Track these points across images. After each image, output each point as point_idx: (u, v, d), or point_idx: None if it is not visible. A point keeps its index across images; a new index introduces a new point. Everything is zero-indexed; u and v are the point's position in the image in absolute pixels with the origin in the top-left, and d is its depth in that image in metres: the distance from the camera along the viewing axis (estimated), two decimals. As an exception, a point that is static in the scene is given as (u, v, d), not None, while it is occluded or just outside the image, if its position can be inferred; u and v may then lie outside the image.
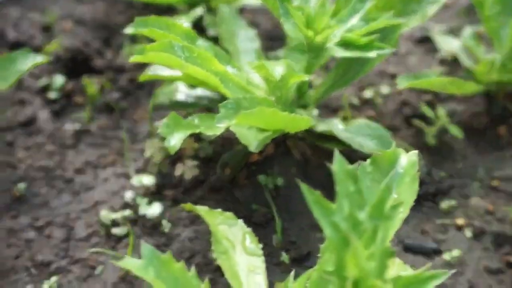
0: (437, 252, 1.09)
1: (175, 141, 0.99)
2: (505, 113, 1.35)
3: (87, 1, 1.67)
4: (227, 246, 0.94)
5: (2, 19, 1.58)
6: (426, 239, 1.11)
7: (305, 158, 1.22)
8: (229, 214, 0.99)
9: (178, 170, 1.19)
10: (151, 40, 1.13)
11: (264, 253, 0.97)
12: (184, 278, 0.79)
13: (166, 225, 1.12)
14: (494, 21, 1.26)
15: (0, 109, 1.35)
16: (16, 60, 1.21)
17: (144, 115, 1.36)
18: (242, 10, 1.61)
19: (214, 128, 1.00)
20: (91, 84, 1.38)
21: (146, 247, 0.77)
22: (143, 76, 1.24)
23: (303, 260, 1.07)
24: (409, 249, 1.09)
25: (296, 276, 0.89)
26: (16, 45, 1.50)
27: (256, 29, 1.35)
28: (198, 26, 1.44)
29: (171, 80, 1.24)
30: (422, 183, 1.17)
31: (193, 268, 0.81)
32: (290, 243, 1.09)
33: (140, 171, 1.23)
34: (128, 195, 1.16)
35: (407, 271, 0.90)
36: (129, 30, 1.13)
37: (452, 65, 1.48)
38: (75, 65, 1.45)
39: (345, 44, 1.11)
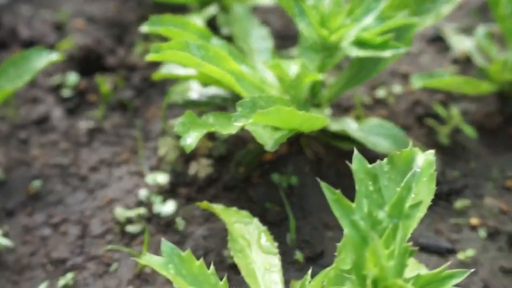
0: (451, 251, 1.09)
1: (191, 139, 1.00)
2: (519, 113, 1.35)
3: (99, -1, 1.68)
4: (243, 244, 0.95)
5: (14, 17, 1.58)
6: (440, 238, 1.11)
7: (318, 157, 1.22)
8: (244, 212, 0.99)
9: (192, 168, 1.20)
10: (164, 39, 1.13)
11: (279, 251, 0.97)
12: (203, 275, 0.79)
13: (180, 223, 1.12)
14: (509, 20, 1.26)
15: (14, 107, 1.36)
16: (31, 58, 1.22)
17: (156, 113, 1.37)
18: (253, 10, 1.61)
19: (230, 127, 1.01)
20: (104, 82, 1.38)
21: (166, 244, 0.77)
22: (157, 75, 1.24)
23: (317, 258, 1.07)
24: (423, 249, 1.09)
25: (311, 275, 0.89)
26: (29, 43, 1.51)
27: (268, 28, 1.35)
28: (211, 25, 1.44)
29: (185, 79, 1.24)
30: (436, 182, 1.17)
31: (212, 266, 0.81)
32: (303, 241, 1.10)
33: (153, 169, 1.23)
34: (142, 193, 1.17)
35: (423, 271, 0.90)
36: (144, 28, 1.14)
37: (465, 64, 1.48)
38: (88, 63, 1.46)
39: (359, 43, 1.11)
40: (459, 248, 1.10)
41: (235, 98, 1.12)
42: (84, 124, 1.34)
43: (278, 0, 1.17)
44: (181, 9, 1.56)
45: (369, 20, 1.12)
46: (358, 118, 1.30)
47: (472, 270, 0.74)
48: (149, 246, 1.08)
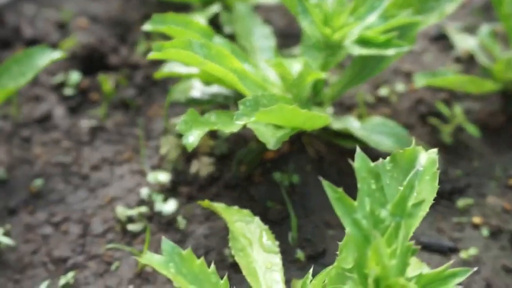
0: (454, 250, 1.09)
1: (193, 138, 0.99)
2: (522, 112, 1.34)
3: (102, -2, 1.68)
4: (244, 243, 0.94)
5: (18, 16, 1.59)
6: (443, 237, 1.11)
7: (320, 156, 1.22)
8: (246, 211, 0.99)
9: (194, 167, 1.19)
10: (167, 37, 1.13)
11: (280, 250, 0.97)
12: (204, 274, 0.79)
13: (181, 222, 1.12)
14: (513, 19, 1.26)
15: (16, 105, 1.36)
16: (34, 55, 1.22)
17: (158, 112, 1.37)
18: (256, 8, 1.61)
19: (232, 125, 1.00)
20: (107, 81, 1.38)
21: (166, 243, 0.77)
22: (159, 73, 1.24)
23: (319, 257, 1.07)
24: (425, 247, 1.09)
25: (312, 274, 0.89)
26: (32, 42, 1.51)
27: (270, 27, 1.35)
28: (214, 24, 1.44)
29: (187, 77, 1.24)
30: (438, 181, 1.16)
31: (212, 265, 0.81)
32: (305, 240, 1.09)
33: (155, 167, 1.23)
34: (144, 191, 1.17)
35: (425, 270, 0.90)
36: (146, 27, 1.14)
37: (468, 63, 1.47)
38: (90, 62, 1.46)
39: (362, 41, 1.10)
40: (462, 247, 1.09)
41: (238, 96, 1.12)
42: (86, 123, 1.34)
43: (281, -1, 1.17)
44: (184, 8, 1.56)
45: (372, 18, 1.12)
46: (360, 117, 1.29)
47: (475, 269, 0.73)
48: (150, 245, 1.08)
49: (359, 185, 0.73)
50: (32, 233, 1.13)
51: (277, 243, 0.97)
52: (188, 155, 1.22)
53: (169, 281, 1.03)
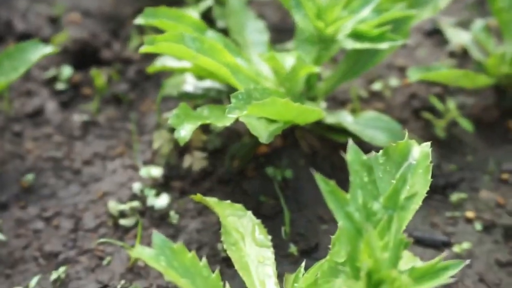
0: (447, 244, 1.09)
1: (185, 132, 0.99)
2: (515, 106, 1.34)
3: (94, -8, 1.67)
4: (236, 237, 0.94)
5: (10, 10, 1.57)
6: (436, 231, 1.11)
7: (313, 151, 1.21)
8: (238, 205, 0.99)
9: (186, 161, 1.19)
10: (159, 32, 1.12)
11: (273, 244, 0.97)
12: (195, 267, 0.78)
13: (173, 217, 1.11)
14: (506, 13, 1.26)
15: (8, 100, 1.35)
16: (26, 50, 1.21)
17: (151, 107, 1.36)
18: (249, 3, 1.60)
19: (224, 119, 1.00)
20: (99, 76, 1.37)
21: (157, 236, 0.76)
22: (151, 68, 1.23)
23: (311, 251, 1.07)
24: (418, 242, 1.09)
25: (305, 268, 0.88)
26: (24, 37, 1.50)
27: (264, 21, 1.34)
28: (207, 18, 1.43)
29: (180, 72, 1.23)
30: (431, 175, 1.16)
31: (204, 258, 0.80)
32: (298, 234, 1.09)
33: (148, 162, 1.22)
34: (136, 186, 1.16)
35: (418, 263, 0.90)
36: (138, 20, 1.13)
37: (462, 58, 1.47)
38: (83, 56, 1.45)
39: (356, 35, 1.10)
40: (455, 241, 1.09)
41: (230, 90, 1.11)
42: (78, 117, 1.33)
43: (274, -8, 1.16)
44: (178, 2, 1.54)
45: (366, 12, 1.11)
46: (354, 111, 1.29)
47: (467, 261, 0.73)
48: (142, 240, 1.07)
49: (351, 178, 0.72)
50: (23, 228, 1.12)
51: (269, 237, 0.97)
52: (181, 150, 1.21)
53: (161, 275, 1.02)
